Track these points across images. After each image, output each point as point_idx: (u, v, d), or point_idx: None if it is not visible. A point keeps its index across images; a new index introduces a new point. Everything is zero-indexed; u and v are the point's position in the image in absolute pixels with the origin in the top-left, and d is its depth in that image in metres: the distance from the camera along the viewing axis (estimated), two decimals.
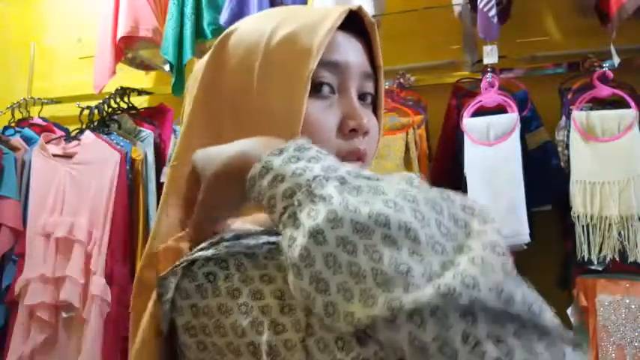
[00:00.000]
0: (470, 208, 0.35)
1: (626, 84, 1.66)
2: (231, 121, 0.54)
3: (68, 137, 2.16)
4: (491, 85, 1.69)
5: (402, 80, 1.91)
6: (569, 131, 1.61)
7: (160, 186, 1.99)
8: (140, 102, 2.37)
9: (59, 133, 2.22)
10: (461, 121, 1.68)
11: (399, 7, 1.98)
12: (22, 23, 2.85)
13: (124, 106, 2.22)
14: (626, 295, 1.49)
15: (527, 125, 1.70)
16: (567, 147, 1.62)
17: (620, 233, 1.49)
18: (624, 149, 1.54)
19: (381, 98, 0.60)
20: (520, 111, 1.65)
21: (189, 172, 0.46)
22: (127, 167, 1.99)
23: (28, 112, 2.43)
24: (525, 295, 0.31)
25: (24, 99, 2.45)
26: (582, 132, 1.59)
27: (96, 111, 2.17)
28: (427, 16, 1.99)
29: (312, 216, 0.34)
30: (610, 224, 1.50)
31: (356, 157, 0.53)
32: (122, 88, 2.22)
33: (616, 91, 1.61)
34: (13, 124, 2.34)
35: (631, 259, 1.47)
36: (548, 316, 0.32)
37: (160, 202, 0.55)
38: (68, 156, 2.07)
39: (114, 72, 2.15)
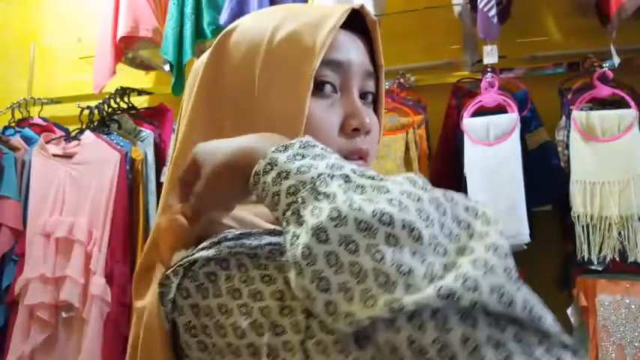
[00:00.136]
0: (473, 209, 0.35)
1: (626, 84, 1.66)
2: (232, 120, 0.54)
3: (68, 137, 2.16)
4: (491, 85, 1.69)
5: (402, 80, 1.91)
6: (569, 131, 1.61)
7: (160, 186, 1.99)
8: (140, 102, 2.37)
9: (59, 133, 2.22)
10: (461, 121, 1.68)
11: (399, 7, 1.98)
12: (22, 23, 2.85)
13: (124, 106, 2.22)
14: (626, 295, 1.49)
15: (527, 125, 1.70)
16: (567, 147, 1.62)
17: (620, 233, 1.49)
18: (624, 149, 1.54)
19: (381, 97, 0.60)
20: (520, 111, 1.65)
21: (189, 163, 0.46)
22: (127, 167, 1.99)
23: (28, 112, 2.43)
24: (527, 299, 0.31)
25: (24, 99, 2.45)
26: (582, 132, 1.59)
27: (96, 111, 2.17)
28: (427, 16, 1.99)
29: (315, 214, 0.34)
30: (610, 224, 1.50)
31: (358, 156, 0.53)
32: (122, 88, 2.22)
33: (616, 91, 1.61)
34: (13, 124, 2.34)
35: (631, 259, 1.47)
36: (549, 320, 0.31)
37: (160, 201, 0.55)
38: (68, 156, 2.07)
39: (114, 72, 2.15)
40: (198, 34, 2.01)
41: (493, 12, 1.65)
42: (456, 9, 1.89)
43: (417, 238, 0.31)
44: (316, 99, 0.52)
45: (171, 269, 0.44)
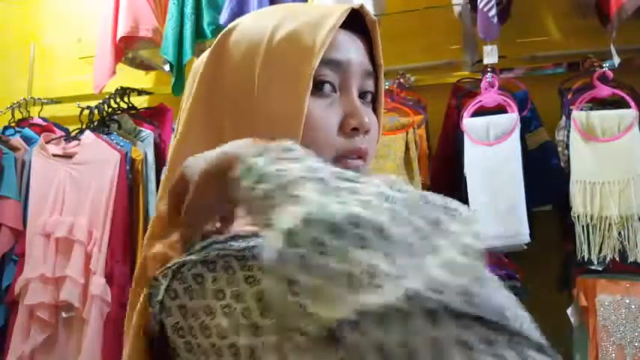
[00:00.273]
0: (450, 210, 0.35)
1: (626, 84, 1.66)
2: (232, 120, 0.54)
3: (68, 137, 2.16)
4: (492, 85, 1.69)
5: (402, 80, 1.91)
6: (569, 131, 1.61)
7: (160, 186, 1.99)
8: (140, 102, 2.37)
9: (59, 133, 2.23)
10: (461, 121, 1.68)
11: (399, 7, 1.98)
12: (22, 23, 2.85)
13: (124, 106, 2.22)
14: (626, 295, 1.49)
15: (527, 125, 1.70)
16: (567, 147, 1.62)
17: (620, 233, 1.49)
18: (624, 149, 1.54)
19: (381, 96, 0.60)
20: (520, 111, 1.65)
21: (177, 178, 0.46)
22: (127, 167, 1.99)
23: (28, 112, 2.43)
24: (497, 301, 0.30)
25: (24, 99, 2.45)
26: (582, 132, 1.59)
27: (96, 111, 2.17)
28: (427, 16, 1.99)
29: (287, 217, 0.34)
30: (610, 224, 1.50)
31: (357, 155, 0.53)
32: (122, 88, 2.22)
33: (616, 91, 1.61)
34: (13, 124, 2.34)
35: (631, 259, 1.47)
36: (523, 321, 0.31)
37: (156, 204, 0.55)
38: (68, 156, 2.07)
39: (114, 72, 2.15)
40: (198, 34, 2.02)
41: (493, 12, 1.65)
42: (456, 9, 1.89)
43: (387, 239, 0.31)
44: (315, 98, 0.52)
45: (160, 271, 0.44)
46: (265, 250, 0.34)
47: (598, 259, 1.50)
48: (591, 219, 1.52)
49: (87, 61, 2.35)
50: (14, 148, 2.14)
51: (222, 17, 1.90)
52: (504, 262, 1.68)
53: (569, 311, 1.57)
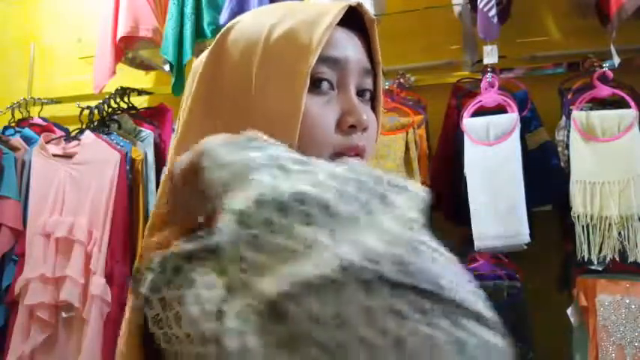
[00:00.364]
0: (397, 186, 0.35)
1: (626, 84, 1.66)
2: (230, 119, 0.54)
3: (68, 137, 2.16)
4: (492, 85, 1.69)
5: (402, 80, 1.91)
6: (569, 131, 1.61)
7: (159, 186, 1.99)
8: (140, 102, 2.37)
9: (59, 133, 2.23)
10: (461, 121, 1.68)
11: (399, 7, 1.98)
12: (22, 23, 2.85)
13: (124, 106, 2.22)
14: (626, 295, 1.49)
15: (527, 125, 1.70)
16: (567, 147, 1.62)
17: (620, 233, 1.49)
18: (624, 149, 1.54)
19: (380, 95, 0.60)
20: (520, 111, 1.65)
21: (164, 179, 0.47)
22: (127, 167, 1.99)
23: (28, 112, 2.43)
24: (434, 270, 0.30)
25: (24, 99, 2.45)
26: (582, 132, 1.59)
27: (96, 111, 2.17)
28: (427, 16, 1.99)
29: (240, 200, 0.34)
30: (610, 224, 1.50)
31: (354, 153, 0.53)
32: (122, 88, 2.22)
33: (616, 91, 1.61)
34: (13, 124, 2.34)
35: (631, 259, 1.47)
36: (464, 292, 0.31)
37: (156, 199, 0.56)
38: (68, 156, 2.07)
39: (114, 72, 2.15)
40: (198, 34, 2.02)
41: (493, 12, 1.65)
42: (456, 9, 1.89)
43: (333, 216, 0.32)
44: (312, 96, 0.52)
45: (144, 265, 0.45)
46: (220, 234, 0.34)
47: (598, 259, 1.50)
48: (591, 219, 1.52)
49: (87, 61, 2.35)
50: (14, 148, 2.14)
51: (222, 17, 1.90)
52: (504, 262, 1.68)
53: (569, 311, 1.57)
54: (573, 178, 1.57)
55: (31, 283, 1.90)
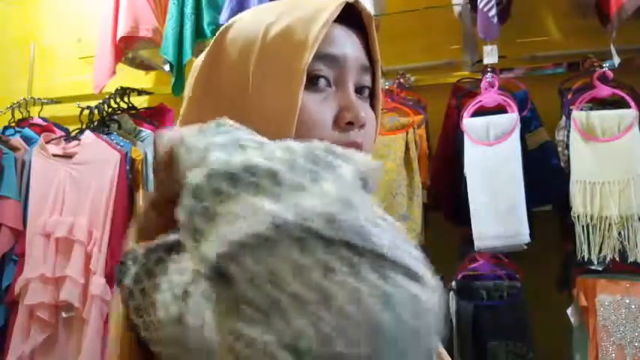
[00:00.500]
0: (345, 156, 0.36)
1: (626, 84, 1.66)
2: (228, 118, 0.54)
3: (68, 137, 2.16)
4: (491, 85, 1.69)
5: (402, 80, 1.91)
6: (569, 131, 1.61)
7: None
8: (140, 102, 2.37)
9: (59, 133, 2.23)
10: (461, 121, 1.68)
11: (399, 7, 1.98)
12: (22, 23, 2.85)
13: (124, 106, 2.22)
14: (626, 295, 1.49)
15: (527, 125, 1.70)
16: (567, 147, 1.62)
17: (620, 233, 1.49)
18: (624, 149, 1.54)
19: (378, 92, 0.60)
20: (520, 111, 1.65)
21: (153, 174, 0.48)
22: (127, 167, 1.99)
23: (28, 112, 2.43)
24: (366, 227, 0.31)
25: (24, 99, 2.45)
26: (582, 132, 1.59)
27: (96, 111, 2.17)
28: (427, 16, 1.99)
29: (196, 175, 0.35)
30: (610, 224, 1.50)
31: (352, 149, 0.53)
32: (122, 88, 2.22)
33: (616, 91, 1.61)
34: (13, 124, 2.34)
35: (631, 259, 1.47)
36: (395, 249, 0.31)
37: None
38: (68, 156, 2.07)
39: (114, 72, 2.15)
40: (198, 34, 2.02)
41: (493, 12, 1.65)
42: (456, 9, 1.89)
43: (280, 185, 0.32)
44: (310, 93, 0.52)
45: (128, 258, 0.46)
46: (180, 209, 0.35)
47: (598, 259, 1.50)
48: (591, 219, 1.52)
49: (87, 61, 2.35)
50: (14, 148, 2.14)
51: (222, 17, 1.90)
52: (504, 262, 1.68)
53: (569, 311, 1.57)
54: (573, 178, 1.57)
55: (31, 283, 1.90)
